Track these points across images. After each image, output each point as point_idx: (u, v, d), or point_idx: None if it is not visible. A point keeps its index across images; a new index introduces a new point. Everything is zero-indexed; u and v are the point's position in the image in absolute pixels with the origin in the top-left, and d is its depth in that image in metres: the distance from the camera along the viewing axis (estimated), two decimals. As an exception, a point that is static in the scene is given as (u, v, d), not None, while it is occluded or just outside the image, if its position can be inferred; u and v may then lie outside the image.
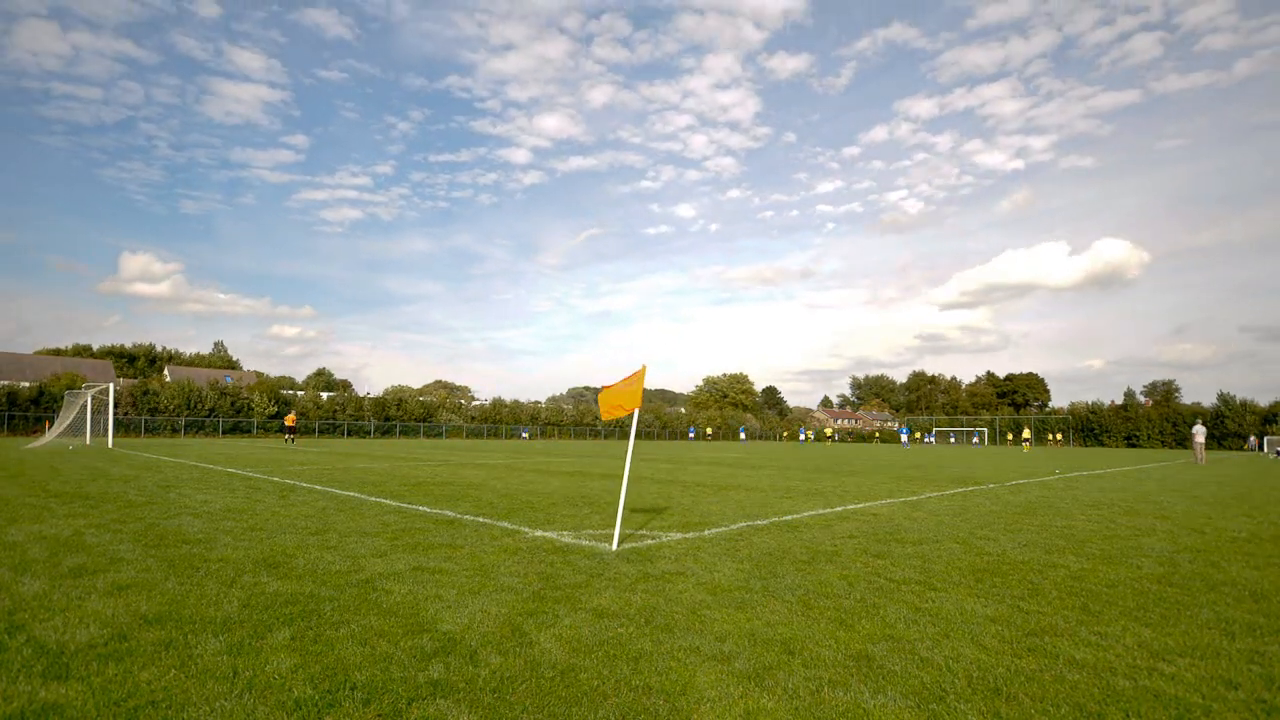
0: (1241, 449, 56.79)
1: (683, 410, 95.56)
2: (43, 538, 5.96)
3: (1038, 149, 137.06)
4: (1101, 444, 68.37)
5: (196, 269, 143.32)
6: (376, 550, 5.59)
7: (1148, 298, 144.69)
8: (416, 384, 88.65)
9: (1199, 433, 27.64)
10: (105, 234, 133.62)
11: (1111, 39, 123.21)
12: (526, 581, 4.59)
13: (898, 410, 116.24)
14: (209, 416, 50.11)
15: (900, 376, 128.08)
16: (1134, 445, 65.79)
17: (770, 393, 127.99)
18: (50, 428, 32.71)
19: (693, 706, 2.65)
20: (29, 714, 2.51)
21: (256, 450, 25.62)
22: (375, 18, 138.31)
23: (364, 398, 61.46)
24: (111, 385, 30.38)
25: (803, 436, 71.63)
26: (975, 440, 72.44)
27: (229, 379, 64.41)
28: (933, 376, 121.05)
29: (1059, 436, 47.71)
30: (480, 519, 7.48)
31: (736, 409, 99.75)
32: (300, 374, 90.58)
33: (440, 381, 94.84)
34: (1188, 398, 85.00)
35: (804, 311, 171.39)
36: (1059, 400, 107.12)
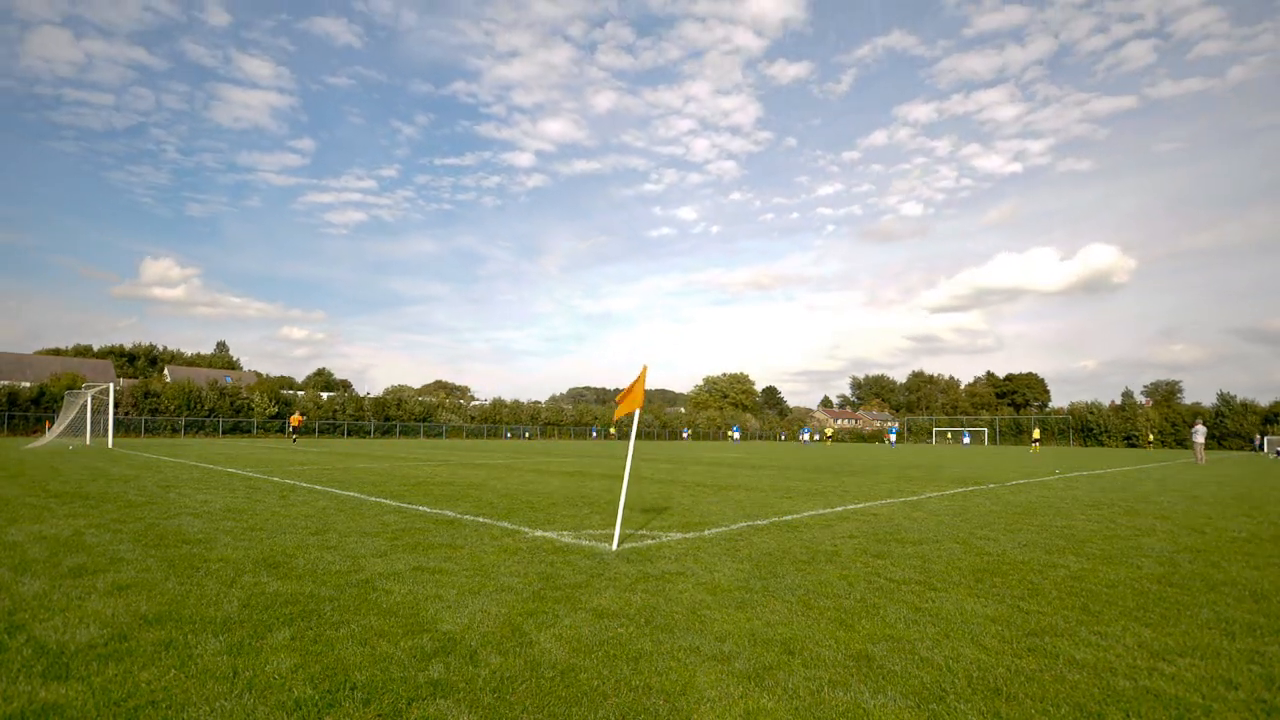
0: (1243, 449, 56.81)
1: (683, 410, 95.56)
2: (43, 538, 5.96)
3: (1035, 153, 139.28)
4: (1101, 444, 68.38)
5: (211, 273, 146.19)
6: (376, 550, 5.59)
7: (1138, 300, 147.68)
8: (420, 384, 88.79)
9: (1199, 433, 27.61)
10: (111, 236, 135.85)
11: (1106, 46, 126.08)
12: (526, 581, 4.59)
13: (897, 410, 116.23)
14: (209, 417, 50.12)
15: (897, 377, 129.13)
16: (1133, 445, 65.81)
17: (770, 393, 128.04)
18: (50, 428, 32.71)
19: (693, 706, 2.65)
20: (29, 714, 2.51)
21: (257, 450, 25.62)
22: (383, 26, 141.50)
23: (364, 398, 61.48)
24: (112, 385, 30.38)
25: (805, 437, 68.38)
26: (966, 440, 72.59)
27: (229, 379, 64.40)
28: (932, 376, 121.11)
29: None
30: (480, 519, 7.48)
31: (737, 409, 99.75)
32: (308, 375, 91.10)
33: (440, 382, 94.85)
34: (1183, 398, 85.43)
35: (802, 313, 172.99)
36: (1058, 400, 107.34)
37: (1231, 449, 58.68)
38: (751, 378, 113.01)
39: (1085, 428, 70.98)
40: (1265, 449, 51.59)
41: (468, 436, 61.11)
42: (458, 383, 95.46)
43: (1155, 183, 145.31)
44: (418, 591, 4.27)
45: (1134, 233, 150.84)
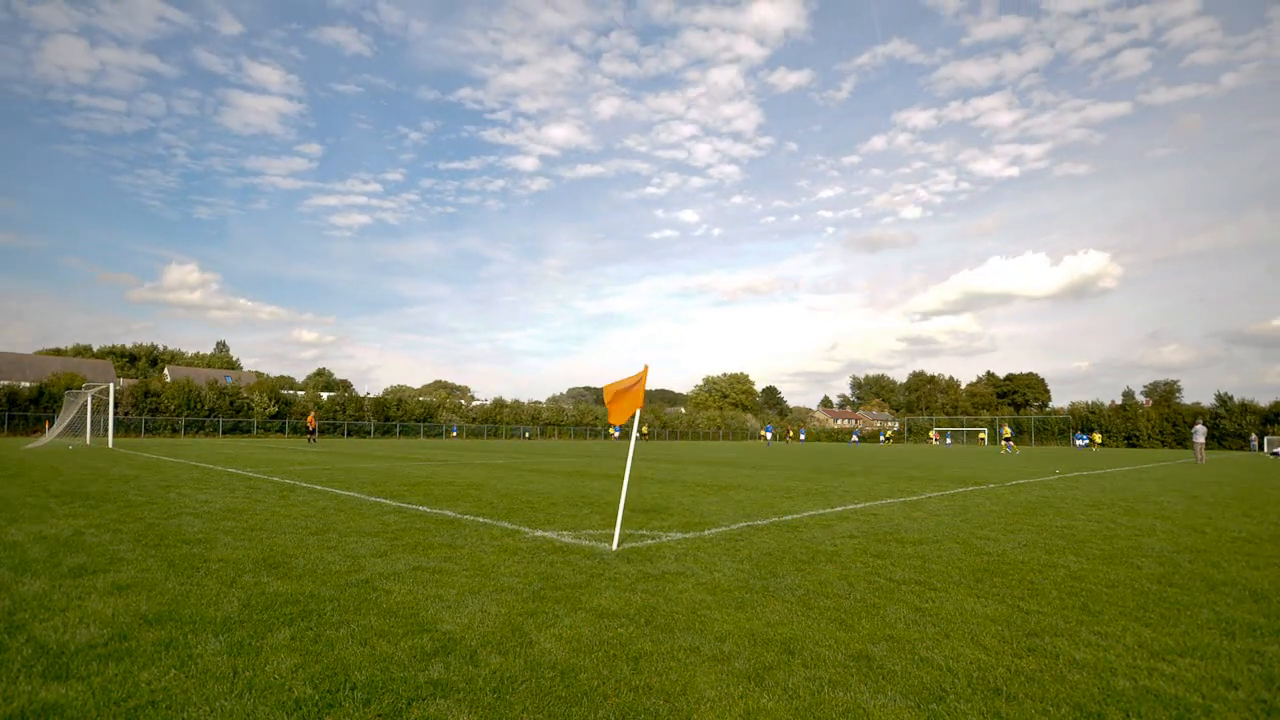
0: (1243, 449, 56.84)
1: (683, 410, 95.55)
2: (43, 538, 5.96)
3: (1032, 157, 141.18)
4: (1101, 444, 68.39)
5: (228, 277, 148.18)
6: (376, 550, 5.59)
7: (1128, 303, 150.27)
8: (422, 385, 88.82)
9: (1199, 433, 27.53)
10: (118, 237, 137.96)
11: (1101, 55, 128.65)
12: (526, 581, 4.59)
13: (897, 410, 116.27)
14: (209, 416, 50.12)
15: (894, 378, 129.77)
16: (1134, 445, 65.83)
17: (770, 393, 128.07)
18: (50, 428, 32.71)
19: (693, 706, 2.65)
20: (29, 714, 2.51)
21: (257, 450, 25.62)
22: (392, 36, 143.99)
23: (364, 398, 61.50)
24: (112, 385, 30.38)
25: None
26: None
27: (229, 379, 64.39)
28: (932, 377, 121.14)
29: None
30: (480, 519, 7.48)
31: (737, 409, 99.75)
32: (308, 375, 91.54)
33: (440, 381, 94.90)
34: (1181, 398, 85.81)
35: (800, 314, 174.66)
36: (1058, 400, 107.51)
37: (1232, 449, 58.69)
38: (751, 378, 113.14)
39: (1085, 428, 71.03)
40: (1265, 449, 51.58)
41: (468, 436, 61.10)
42: (459, 383, 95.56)
43: (1148, 187, 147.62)
44: (418, 591, 4.27)
45: (1124, 237, 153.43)
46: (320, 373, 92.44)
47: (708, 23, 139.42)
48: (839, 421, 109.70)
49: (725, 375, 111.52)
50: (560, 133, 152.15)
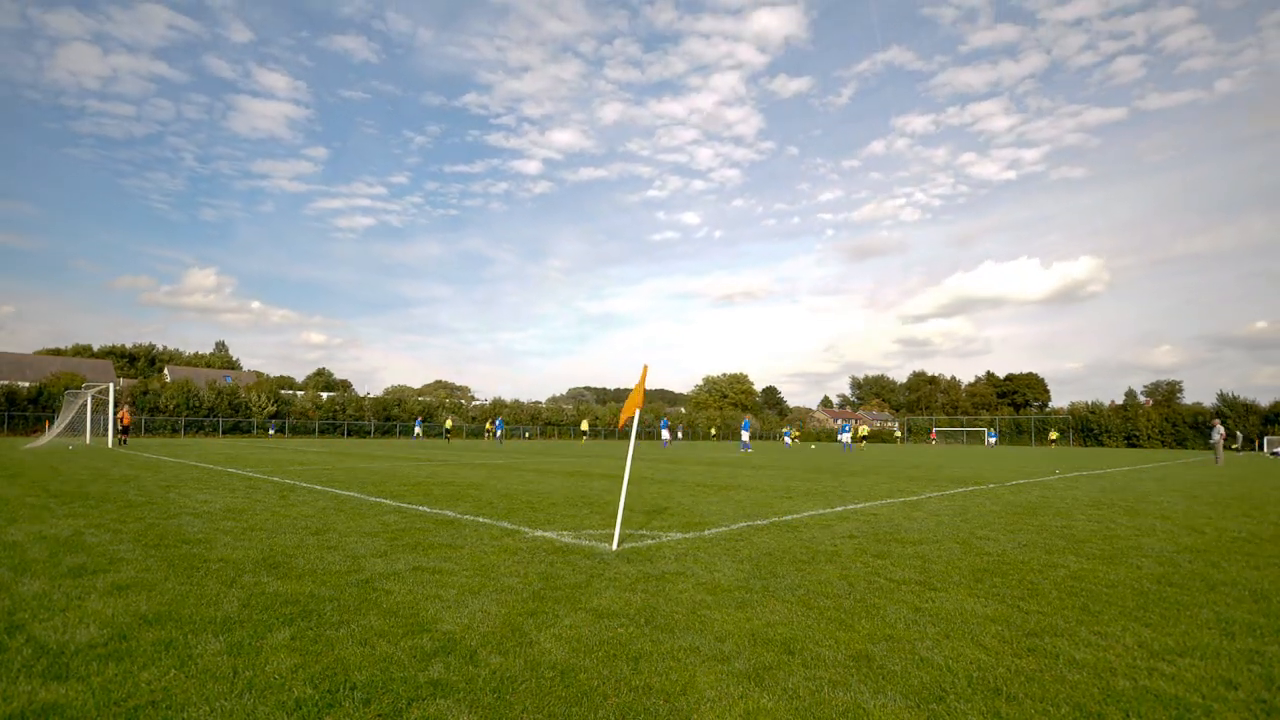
0: (1241, 449, 56.82)
1: (683, 410, 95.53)
2: (43, 538, 5.96)
3: (1029, 160, 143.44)
4: (1101, 444, 68.42)
5: (244, 282, 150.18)
6: (376, 550, 5.59)
7: (1121, 306, 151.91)
8: (422, 385, 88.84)
9: (1218, 432, 26.91)
10: (125, 239, 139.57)
11: (1096, 61, 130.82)
12: (526, 581, 4.59)
13: (898, 410, 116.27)
14: (209, 416, 50.12)
15: (894, 378, 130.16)
16: (1134, 445, 65.84)
17: (770, 393, 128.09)
18: (50, 427, 32.71)
19: (693, 706, 2.65)
20: (29, 714, 2.51)
21: (257, 450, 25.62)
22: (400, 44, 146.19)
23: (364, 398, 61.51)
24: (111, 385, 30.38)
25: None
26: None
27: (229, 379, 64.39)
28: (933, 376, 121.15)
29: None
30: (480, 519, 7.48)
31: (736, 409, 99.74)
32: (308, 375, 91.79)
33: (440, 381, 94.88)
34: (1182, 398, 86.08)
35: (799, 315, 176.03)
36: (1058, 400, 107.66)
37: (1231, 449, 58.67)
38: (751, 378, 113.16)
39: (1085, 428, 71.05)
40: (1265, 449, 51.56)
41: (468, 436, 61.10)
42: (459, 383, 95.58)
43: (1141, 192, 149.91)
44: (418, 591, 4.27)
45: (1116, 240, 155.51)
46: (320, 373, 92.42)
47: (710, 30, 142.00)
48: (839, 421, 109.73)
49: (725, 375, 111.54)
50: (564, 137, 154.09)
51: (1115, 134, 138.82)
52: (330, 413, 57.80)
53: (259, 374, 71.99)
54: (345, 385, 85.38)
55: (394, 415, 60.66)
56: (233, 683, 2.78)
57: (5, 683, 2.77)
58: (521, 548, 5.80)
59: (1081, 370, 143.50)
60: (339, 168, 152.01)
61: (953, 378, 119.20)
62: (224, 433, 49.95)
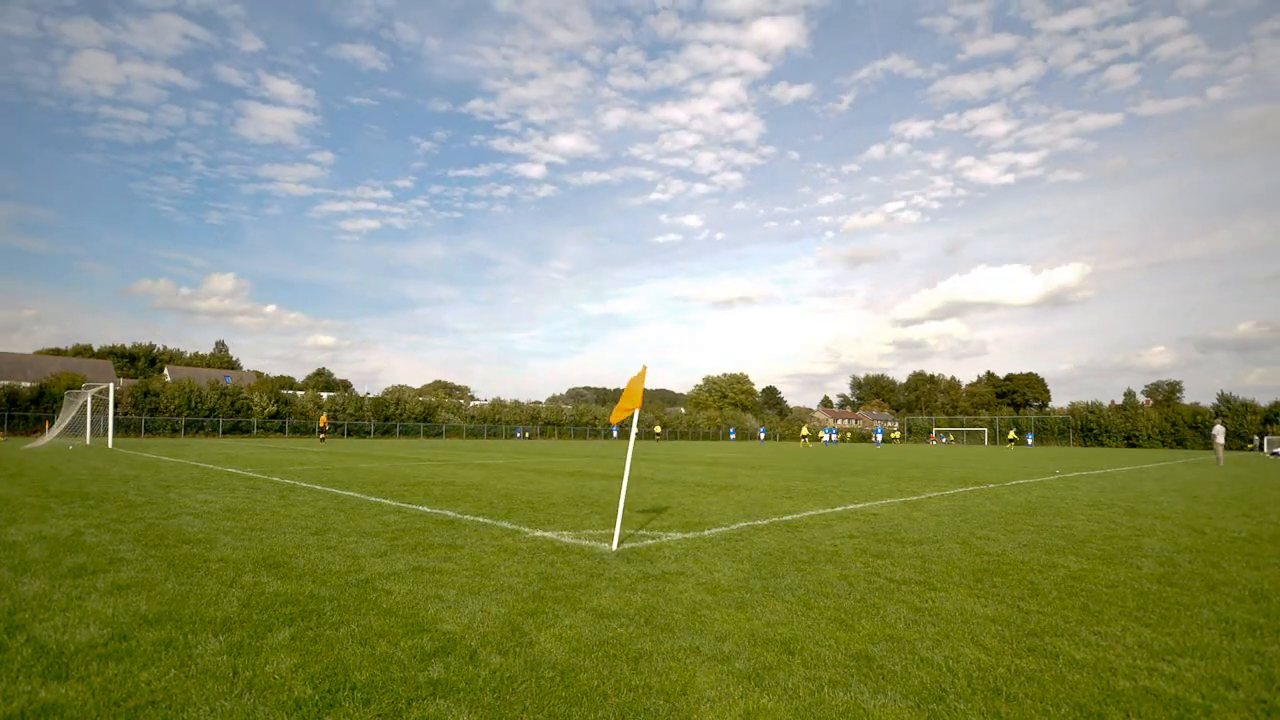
0: (1246, 449, 56.87)
1: (683, 410, 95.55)
2: (43, 538, 5.96)
3: (1026, 165, 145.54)
4: (1101, 444, 68.46)
5: (259, 285, 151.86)
6: (376, 550, 5.59)
7: (1114, 308, 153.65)
8: (422, 385, 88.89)
9: (1219, 433, 26.80)
10: (133, 241, 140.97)
11: (1091, 69, 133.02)
12: (526, 581, 4.59)
13: (898, 410, 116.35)
14: (209, 416, 50.12)
15: (894, 378, 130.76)
16: (1133, 446, 65.85)
17: (770, 393, 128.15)
18: (50, 428, 32.70)
19: (693, 706, 2.65)
20: (29, 714, 2.51)
21: (257, 450, 25.62)
22: (408, 53, 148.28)
23: (364, 398, 61.47)
24: (111, 385, 30.37)
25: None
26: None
27: (229, 379, 64.40)
28: (932, 376, 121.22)
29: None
30: (480, 519, 7.48)
31: (736, 409, 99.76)
32: (308, 375, 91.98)
33: (440, 381, 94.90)
34: (1182, 398, 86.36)
35: (799, 316, 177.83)
36: (1058, 400, 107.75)
37: (1231, 449, 58.68)
38: (751, 378, 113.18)
39: (1085, 428, 71.12)
40: (1265, 449, 51.57)
41: (467, 436, 61.12)
42: (460, 383, 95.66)
43: (1136, 195, 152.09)
44: (418, 591, 4.27)
45: (1112, 242, 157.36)
46: (320, 373, 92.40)
47: (711, 39, 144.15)
48: (839, 421, 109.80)
49: (725, 375, 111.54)
50: (568, 142, 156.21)
51: (1111, 139, 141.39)
52: (330, 413, 57.80)
53: (259, 374, 72.00)
54: (345, 385, 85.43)
55: (392, 415, 60.64)
56: (233, 683, 2.78)
57: (5, 683, 2.77)
58: (521, 548, 5.80)
59: (1074, 371, 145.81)
60: (345, 172, 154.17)
61: (953, 378, 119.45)
62: (224, 433, 49.95)
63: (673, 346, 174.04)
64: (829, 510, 8.80)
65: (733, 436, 67.01)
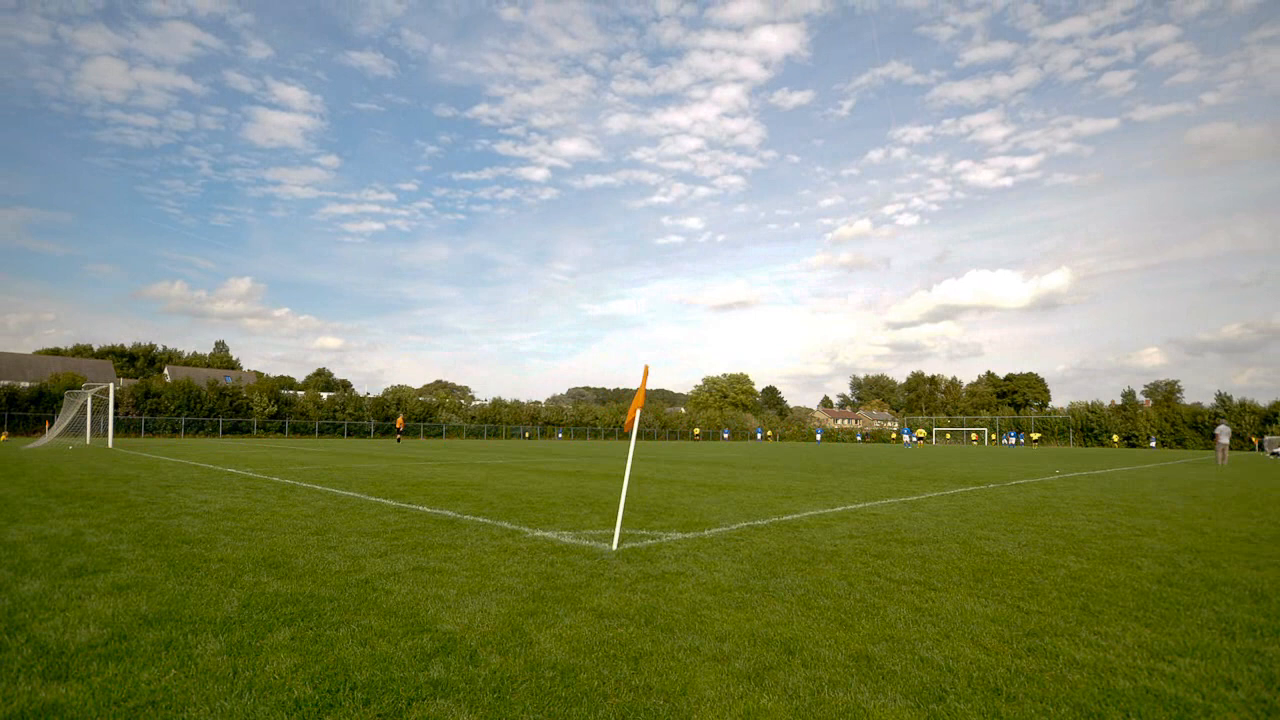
0: (1248, 447, 56.86)
1: (683, 410, 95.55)
2: (43, 538, 5.96)
3: (1024, 168, 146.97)
4: (1101, 444, 68.47)
5: (273, 289, 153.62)
6: (376, 550, 5.59)
7: (1108, 308, 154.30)
8: (422, 385, 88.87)
9: (1223, 433, 26.64)
10: (144, 245, 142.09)
11: (1087, 76, 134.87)
12: (526, 581, 4.59)
13: (898, 410, 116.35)
14: (209, 416, 50.12)
15: (894, 378, 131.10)
16: (1133, 445, 65.85)
17: (770, 393, 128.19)
18: (50, 428, 32.69)
19: (693, 707, 2.65)
20: (29, 714, 2.51)
21: (257, 450, 25.62)
22: (415, 60, 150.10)
23: (364, 397, 61.49)
24: (111, 385, 30.37)
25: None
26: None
27: (229, 379, 64.37)
28: (932, 377, 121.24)
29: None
30: (480, 519, 7.48)
31: (737, 409, 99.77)
32: (308, 375, 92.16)
33: (440, 381, 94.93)
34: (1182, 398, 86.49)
35: (799, 317, 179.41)
36: (1057, 400, 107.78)
37: (1234, 449, 58.72)
38: (751, 378, 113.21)
39: (1085, 428, 71.12)
40: (1265, 449, 51.58)
41: (467, 436, 61.11)
42: (461, 383, 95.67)
43: (1132, 199, 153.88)
44: (418, 591, 4.27)
45: (1108, 244, 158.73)
46: (320, 372, 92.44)
47: (713, 46, 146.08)
48: (839, 421, 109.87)
49: (725, 375, 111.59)
50: (571, 146, 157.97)
51: (1107, 143, 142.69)
52: (330, 412, 57.79)
53: (259, 374, 71.98)
54: (345, 385, 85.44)
55: (392, 415, 60.65)
56: (233, 683, 2.78)
57: (5, 683, 2.77)
58: (521, 548, 5.80)
59: (1069, 372, 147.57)
60: (350, 175, 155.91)
61: (953, 378, 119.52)
62: (224, 433, 49.94)
63: (673, 347, 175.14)
64: (829, 510, 8.80)
65: (726, 436, 67.18)
